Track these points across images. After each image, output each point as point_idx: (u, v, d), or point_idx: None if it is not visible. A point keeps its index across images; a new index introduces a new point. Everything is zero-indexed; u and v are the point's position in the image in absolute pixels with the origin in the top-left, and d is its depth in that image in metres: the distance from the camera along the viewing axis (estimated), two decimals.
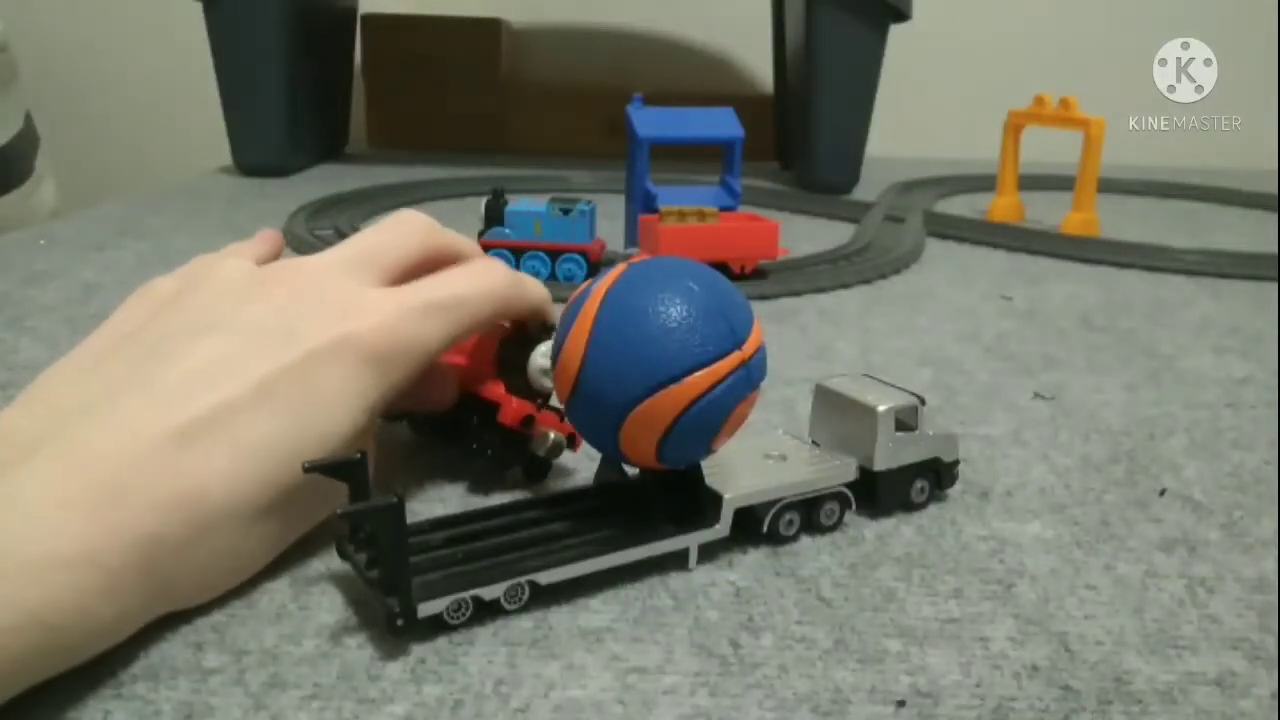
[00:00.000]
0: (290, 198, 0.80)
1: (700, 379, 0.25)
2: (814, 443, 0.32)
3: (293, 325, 0.26)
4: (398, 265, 0.30)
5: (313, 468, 0.24)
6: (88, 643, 0.21)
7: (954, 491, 0.33)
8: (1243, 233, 0.87)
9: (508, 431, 0.32)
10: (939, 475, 0.32)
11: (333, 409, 0.26)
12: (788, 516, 0.29)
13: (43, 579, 0.20)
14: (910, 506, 0.32)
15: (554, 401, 0.33)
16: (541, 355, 0.32)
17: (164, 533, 0.22)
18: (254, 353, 0.25)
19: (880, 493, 0.31)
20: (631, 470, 0.29)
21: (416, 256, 0.30)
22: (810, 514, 0.30)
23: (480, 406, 0.32)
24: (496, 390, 0.32)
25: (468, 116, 1.18)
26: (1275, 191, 1.00)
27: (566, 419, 0.29)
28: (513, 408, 0.32)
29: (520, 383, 0.32)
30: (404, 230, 0.31)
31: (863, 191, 0.94)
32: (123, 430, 0.23)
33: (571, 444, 0.33)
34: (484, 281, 0.30)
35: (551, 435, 0.32)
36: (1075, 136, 0.80)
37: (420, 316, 0.28)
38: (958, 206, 0.91)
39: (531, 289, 0.32)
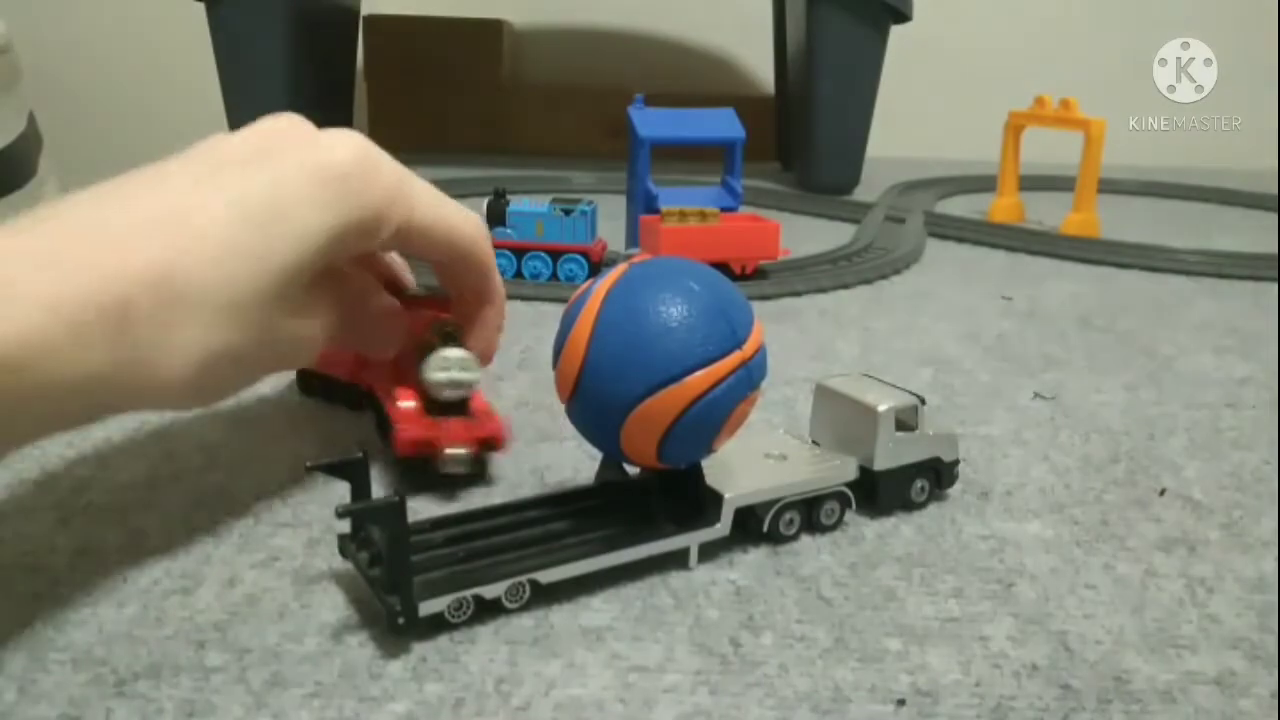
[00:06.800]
0: None
1: (701, 378, 0.25)
2: (814, 442, 0.33)
3: (269, 149, 0.27)
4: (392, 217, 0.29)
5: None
6: (50, 393, 0.22)
7: (954, 491, 0.33)
8: (1243, 233, 0.87)
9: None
10: (939, 475, 0.32)
11: (297, 219, 0.26)
12: (788, 516, 0.29)
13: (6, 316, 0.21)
14: (910, 506, 0.32)
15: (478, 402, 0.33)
16: (435, 369, 0.31)
17: (131, 297, 0.23)
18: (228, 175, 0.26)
19: (880, 492, 0.31)
20: (632, 470, 0.29)
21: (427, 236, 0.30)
22: (811, 513, 0.30)
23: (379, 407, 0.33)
24: (397, 408, 0.32)
25: (469, 117, 1.18)
26: (1275, 191, 1.00)
27: (569, 417, 0.29)
28: (404, 439, 0.31)
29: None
30: (461, 215, 0.31)
31: (863, 192, 0.94)
32: (103, 213, 0.24)
33: (493, 446, 0.32)
34: (467, 214, 0.31)
35: (452, 454, 0.31)
36: (1075, 137, 0.80)
37: (390, 160, 0.29)
38: (958, 207, 0.91)
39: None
